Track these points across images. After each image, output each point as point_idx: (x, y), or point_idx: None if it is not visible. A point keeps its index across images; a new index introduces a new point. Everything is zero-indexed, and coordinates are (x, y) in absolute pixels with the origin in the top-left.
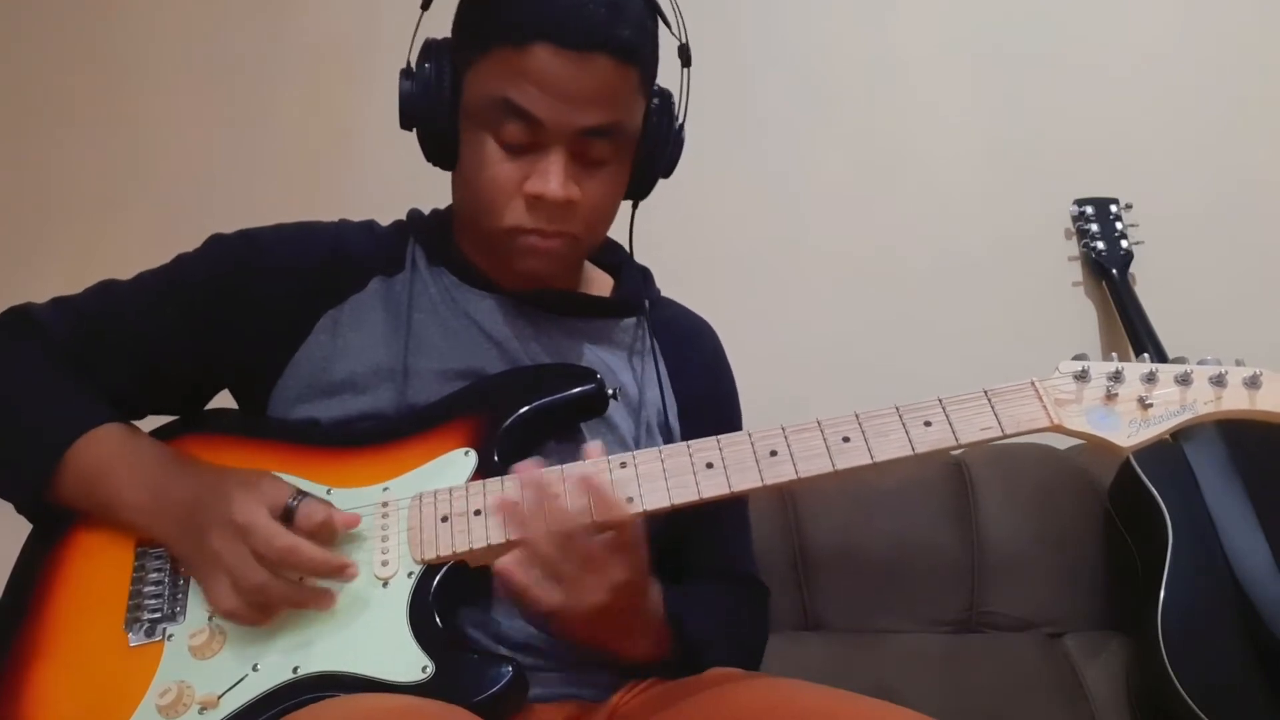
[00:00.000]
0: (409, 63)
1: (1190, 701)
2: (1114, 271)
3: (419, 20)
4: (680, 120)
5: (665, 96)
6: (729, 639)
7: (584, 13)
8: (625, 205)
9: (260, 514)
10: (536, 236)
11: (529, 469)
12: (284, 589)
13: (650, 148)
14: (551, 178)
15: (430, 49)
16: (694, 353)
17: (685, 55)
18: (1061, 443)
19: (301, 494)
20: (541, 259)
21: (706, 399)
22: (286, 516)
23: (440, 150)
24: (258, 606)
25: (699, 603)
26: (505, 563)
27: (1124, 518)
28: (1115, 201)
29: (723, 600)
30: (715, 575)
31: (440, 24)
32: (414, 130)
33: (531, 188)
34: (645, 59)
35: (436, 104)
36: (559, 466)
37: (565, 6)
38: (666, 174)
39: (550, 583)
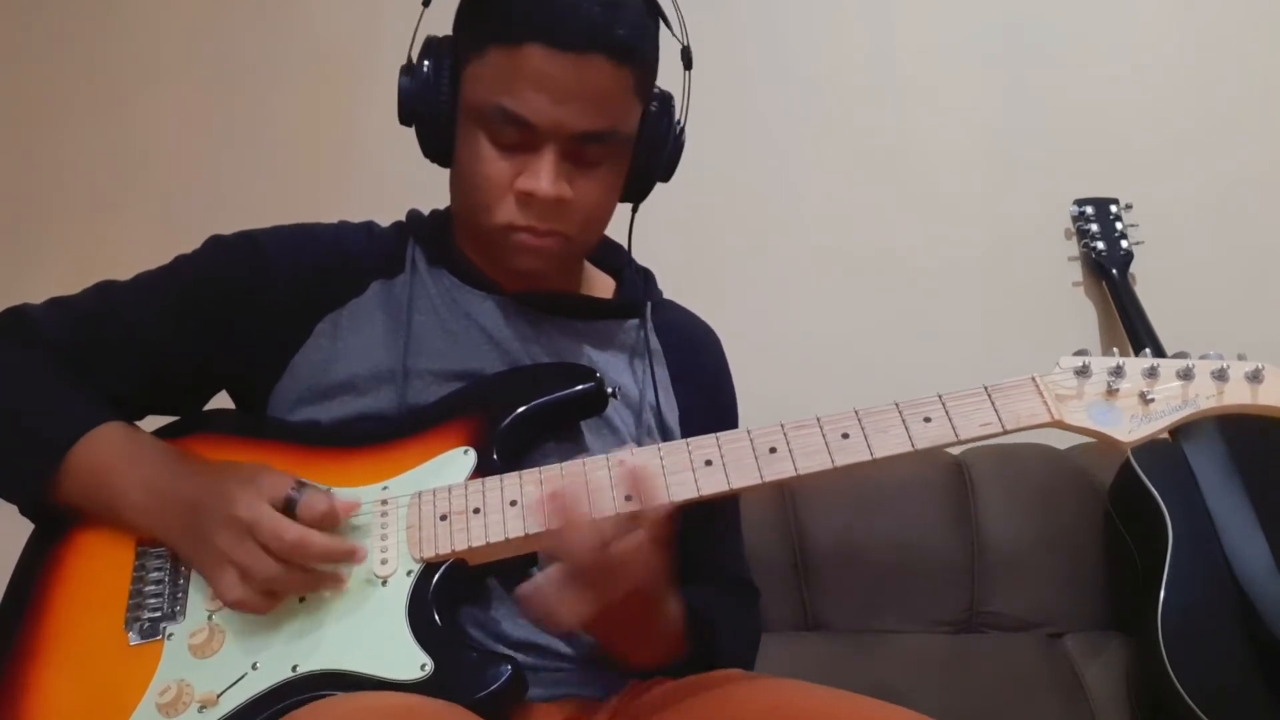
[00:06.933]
0: (409, 59)
1: (1190, 701)
2: (1114, 271)
3: (420, 17)
4: (681, 124)
5: (665, 100)
6: (735, 641)
7: (579, 13)
8: (625, 207)
9: (264, 509)
10: (528, 234)
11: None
12: (295, 578)
13: (647, 152)
14: (542, 176)
15: (430, 46)
16: (697, 358)
17: (687, 58)
18: (1062, 442)
19: (301, 484)
20: (534, 256)
21: (707, 405)
22: (288, 508)
23: (437, 146)
24: (266, 594)
25: (714, 605)
26: (525, 589)
27: (1124, 518)
28: (1115, 201)
29: (727, 602)
30: (709, 578)
31: (443, 23)
32: (412, 126)
33: (522, 185)
34: (642, 60)
35: (434, 100)
36: (602, 456)
37: (560, 6)
38: (664, 178)
39: (570, 593)
